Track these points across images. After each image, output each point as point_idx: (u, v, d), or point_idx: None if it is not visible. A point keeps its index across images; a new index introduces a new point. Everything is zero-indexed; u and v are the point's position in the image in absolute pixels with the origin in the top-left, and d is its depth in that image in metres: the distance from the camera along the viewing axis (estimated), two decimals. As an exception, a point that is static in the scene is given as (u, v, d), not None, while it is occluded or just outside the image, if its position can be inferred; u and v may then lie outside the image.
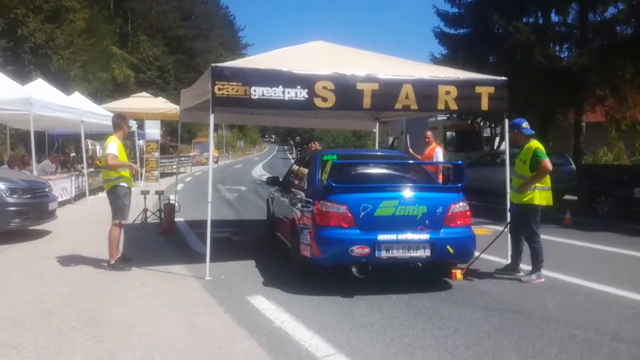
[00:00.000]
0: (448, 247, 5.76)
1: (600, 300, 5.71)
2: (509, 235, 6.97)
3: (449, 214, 5.82)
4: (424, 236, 5.68)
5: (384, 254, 5.60)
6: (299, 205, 6.42)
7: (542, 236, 6.63)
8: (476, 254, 6.39)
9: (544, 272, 6.49)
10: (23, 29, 24.33)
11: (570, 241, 9.20)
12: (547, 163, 6.20)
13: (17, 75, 17.58)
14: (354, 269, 5.81)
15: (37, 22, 24.89)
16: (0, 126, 19.26)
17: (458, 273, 6.37)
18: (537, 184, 6.28)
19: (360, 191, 5.81)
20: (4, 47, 22.66)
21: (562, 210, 11.25)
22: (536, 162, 6.24)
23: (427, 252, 5.70)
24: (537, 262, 6.41)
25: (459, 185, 6.13)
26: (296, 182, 7.62)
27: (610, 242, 9.23)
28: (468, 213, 6.02)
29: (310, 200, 6.04)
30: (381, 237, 5.57)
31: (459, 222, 5.88)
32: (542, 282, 6.33)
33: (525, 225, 6.45)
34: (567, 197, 14.59)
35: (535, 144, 6.39)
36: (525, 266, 6.74)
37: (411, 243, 5.65)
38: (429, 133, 10.55)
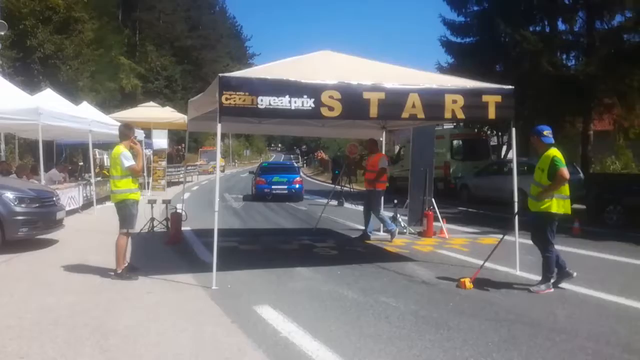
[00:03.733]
0: (293, 190, 19.12)
1: (611, 311, 5.64)
2: (517, 245, 6.91)
3: (296, 180, 19.45)
4: (285, 187, 19.00)
5: (273, 191, 18.89)
6: (254, 179, 20.17)
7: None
8: (480, 262, 6.45)
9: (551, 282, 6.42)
10: (32, 40, 24.59)
11: (579, 251, 9.12)
12: (565, 172, 6.13)
13: (27, 86, 17.76)
14: (267, 196, 18.85)
15: (47, 33, 25.16)
16: (9, 136, 19.43)
17: (467, 281, 6.41)
18: (555, 193, 6.22)
19: (268, 174, 19.79)
20: (13, 57, 22.91)
21: (571, 220, 11.12)
22: (554, 171, 6.17)
23: (285, 192, 18.89)
24: (547, 272, 6.35)
25: (299, 170, 23.00)
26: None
27: (619, 252, 9.15)
28: (300, 180, 19.81)
29: (255, 177, 20.06)
30: (273, 187, 18.95)
31: (297, 184, 19.36)
32: (551, 293, 6.27)
33: (540, 233, 6.37)
34: (575, 206, 14.44)
35: (553, 152, 6.30)
36: (530, 276, 6.69)
37: (280, 189, 18.94)
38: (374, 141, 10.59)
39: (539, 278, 6.49)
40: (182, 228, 10.08)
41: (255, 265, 7.52)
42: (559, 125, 20.93)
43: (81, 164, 21.35)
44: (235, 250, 8.98)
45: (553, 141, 6.49)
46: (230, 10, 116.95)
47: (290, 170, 21.55)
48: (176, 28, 66.36)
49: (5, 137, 20.20)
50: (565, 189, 6.29)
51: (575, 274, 6.42)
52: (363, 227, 10.44)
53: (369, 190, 10.27)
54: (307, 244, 9.80)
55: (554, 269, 6.35)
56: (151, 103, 25.33)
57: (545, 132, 6.46)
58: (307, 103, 6.34)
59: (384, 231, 10.48)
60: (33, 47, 24.58)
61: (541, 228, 6.35)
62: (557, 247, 6.59)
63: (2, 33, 21.13)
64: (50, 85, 18.34)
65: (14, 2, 24.27)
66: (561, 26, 20.81)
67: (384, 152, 12.77)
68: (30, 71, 24.28)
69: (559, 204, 6.24)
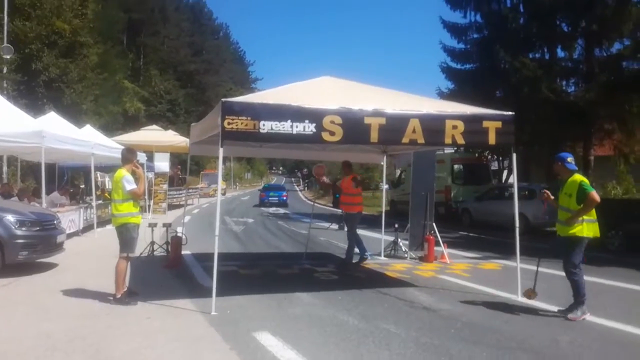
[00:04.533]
0: (282, 200, 33.80)
1: (614, 338, 5.59)
2: (518, 271, 6.86)
3: (284, 194, 34.74)
4: (277, 198, 34.17)
5: (270, 200, 33.41)
6: (260, 193, 35.74)
7: (551, 271, 6.57)
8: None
9: (554, 308, 6.36)
10: (37, 63, 24.85)
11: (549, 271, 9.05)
12: (595, 195, 6.16)
13: (31, 109, 17.88)
14: (266, 203, 33.13)
15: (52, 57, 25.42)
16: (11, 158, 19.54)
17: (530, 292, 6.76)
18: (584, 217, 6.22)
19: (267, 190, 35.70)
20: (18, 81, 23.12)
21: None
22: (583, 195, 6.19)
23: (277, 200, 33.46)
24: (579, 296, 6.28)
25: (286, 193, 35.49)
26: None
27: (621, 278, 9.09)
28: (286, 195, 35.03)
29: (260, 192, 35.81)
30: (270, 198, 33.73)
31: (284, 197, 34.72)
32: (555, 320, 6.21)
33: (567, 257, 6.34)
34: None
35: (579, 177, 6.35)
36: (531, 302, 6.62)
37: (274, 199, 33.64)
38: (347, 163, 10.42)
39: (539, 304, 6.44)
40: (182, 252, 10.04)
41: (255, 290, 7.47)
42: (560, 151, 20.91)
43: (83, 186, 21.39)
44: (235, 274, 8.93)
45: (576, 168, 6.54)
46: (234, 36, 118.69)
47: (281, 189, 37.81)
48: (180, 53, 67.33)
49: (8, 160, 20.33)
50: (593, 212, 6.31)
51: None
52: (357, 252, 10.25)
53: (346, 213, 10.18)
54: (308, 269, 9.75)
55: (584, 292, 6.28)
56: (154, 126, 25.52)
57: (569, 159, 6.52)
58: (309, 128, 6.39)
59: (346, 253, 10.20)
60: (38, 70, 24.83)
61: (569, 252, 6.32)
62: (559, 272, 6.56)
63: (8, 56, 21.46)
64: (54, 109, 18.43)
65: (20, 27, 24.64)
66: (560, 53, 21.08)
67: (384, 175, 12.90)
68: (35, 94, 24.47)
69: (588, 228, 6.26)
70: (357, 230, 10.21)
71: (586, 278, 8.77)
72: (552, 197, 6.72)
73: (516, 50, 19.37)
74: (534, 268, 6.92)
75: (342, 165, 10.55)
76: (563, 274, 6.45)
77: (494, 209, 17.66)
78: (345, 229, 10.48)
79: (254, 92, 11.84)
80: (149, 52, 62.18)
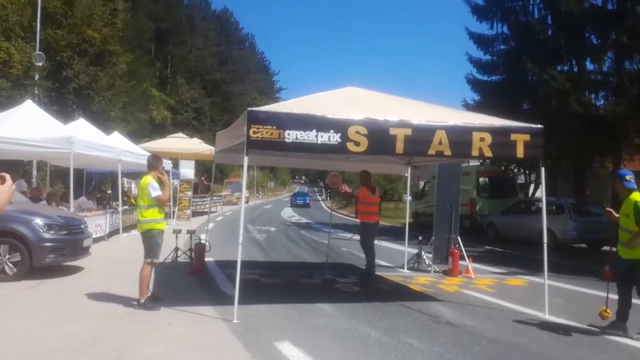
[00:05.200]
0: (306, 202, 50.95)
1: (646, 361, 5.40)
2: (545, 288, 6.70)
3: (307, 199, 53.65)
4: (302, 201, 51.11)
5: (297, 202, 50.00)
6: (290, 197, 57.36)
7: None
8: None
9: (581, 326, 6.19)
10: (68, 71, 25.47)
11: (611, 296, 8.79)
12: None
13: (61, 115, 18.28)
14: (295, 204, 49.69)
15: (82, 65, 26.04)
16: (41, 163, 19.97)
17: (604, 312, 6.32)
18: None
19: (296, 196, 54.96)
20: (49, 88, 23.69)
21: (601, 263, 10.80)
22: (639, 215, 5.98)
23: (302, 203, 50.26)
24: None
25: (309, 198, 56.38)
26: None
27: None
28: (309, 199, 55.36)
29: (291, 197, 56.83)
30: (297, 201, 51.08)
31: (308, 200, 53.02)
32: (584, 339, 6.04)
33: (637, 281, 6.14)
34: (606, 248, 14.04)
35: (636, 196, 6.09)
36: (559, 320, 6.45)
37: (300, 202, 50.93)
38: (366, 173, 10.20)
39: (569, 322, 6.27)
40: (206, 259, 10.10)
41: (277, 300, 7.46)
42: (588, 165, 20.63)
43: (109, 192, 21.72)
44: (257, 283, 8.93)
45: (635, 186, 6.26)
46: (260, 46, 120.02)
47: (306, 195, 56.41)
48: (206, 62, 68.25)
49: (38, 164, 20.79)
50: None
51: (635, 337, 6.11)
52: (381, 264, 9.94)
53: (363, 222, 9.89)
54: (330, 279, 9.70)
55: None
56: (180, 134, 25.82)
57: (627, 177, 6.28)
58: (334, 138, 6.37)
59: (367, 264, 9.74)
60: (68, 77, 25.43)
61: (638, 276, 6.11)
62: (588, 290, 6.38)
63: (40, 64, 22.02)
64: (83, 115, 18.84)
65: (52, 35, 25.30)
66: (589, 66, 20.67)
67: (408, 187, 12.81)
68: (65, 101, 25.03)
69: None
70: (378, 241, 9.94)
71: (616, 297, 8.58)
72: (617, 215, 6.37)
73: (544, 62, 19.04)
74: (562, 285, 6.78)
75: (361, 175, 10.41)
76: (589, 291, 6.28)
77: (521, 223, 17.35)
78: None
79: (278, 101, 11.90)
80: (176, 61, 63.22)
